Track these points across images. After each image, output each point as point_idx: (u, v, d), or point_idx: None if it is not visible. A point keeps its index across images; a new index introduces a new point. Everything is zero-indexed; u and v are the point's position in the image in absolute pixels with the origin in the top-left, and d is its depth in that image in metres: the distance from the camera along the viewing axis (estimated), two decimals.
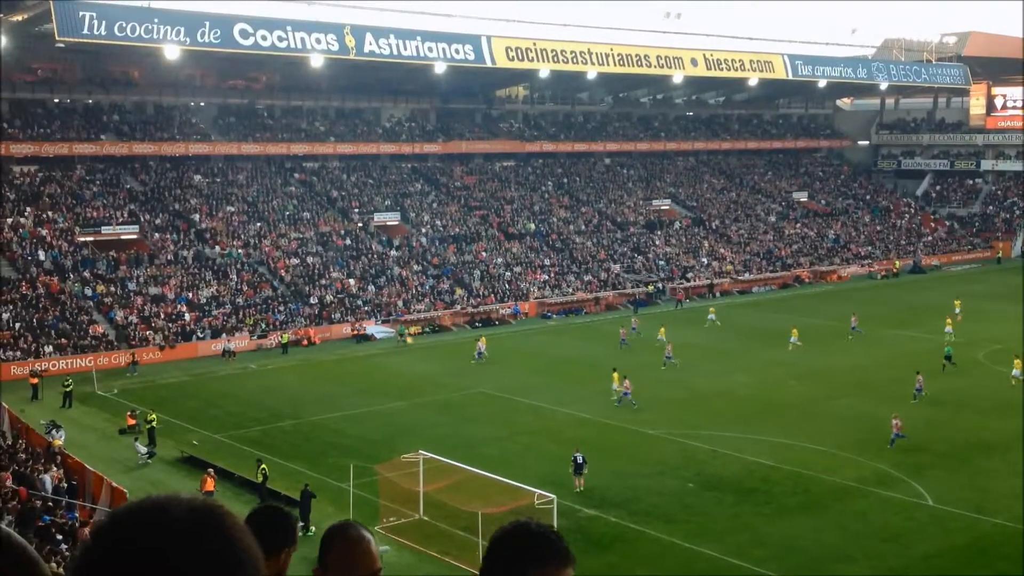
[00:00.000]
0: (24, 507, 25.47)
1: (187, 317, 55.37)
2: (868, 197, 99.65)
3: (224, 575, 1.73)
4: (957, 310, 59.22)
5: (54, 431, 35.12)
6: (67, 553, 21.92)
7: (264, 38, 61.58)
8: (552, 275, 70.23)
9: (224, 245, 63.10)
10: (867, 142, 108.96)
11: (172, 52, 59.80)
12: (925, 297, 68.07)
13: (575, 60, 75.48)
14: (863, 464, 33.40)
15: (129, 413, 39.46)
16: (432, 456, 30.07)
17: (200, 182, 69.21)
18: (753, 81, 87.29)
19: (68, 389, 42.84)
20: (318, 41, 63.37)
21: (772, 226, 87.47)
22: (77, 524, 25.47)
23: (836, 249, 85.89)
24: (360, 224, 70.49)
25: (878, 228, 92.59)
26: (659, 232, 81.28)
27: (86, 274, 56.50)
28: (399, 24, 69.44)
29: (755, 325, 58.56)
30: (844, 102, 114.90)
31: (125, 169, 67.72)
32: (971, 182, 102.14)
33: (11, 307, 51.98)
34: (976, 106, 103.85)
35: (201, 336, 54.37)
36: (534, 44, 73.63)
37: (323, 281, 62.39)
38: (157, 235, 62.16)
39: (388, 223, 71.95)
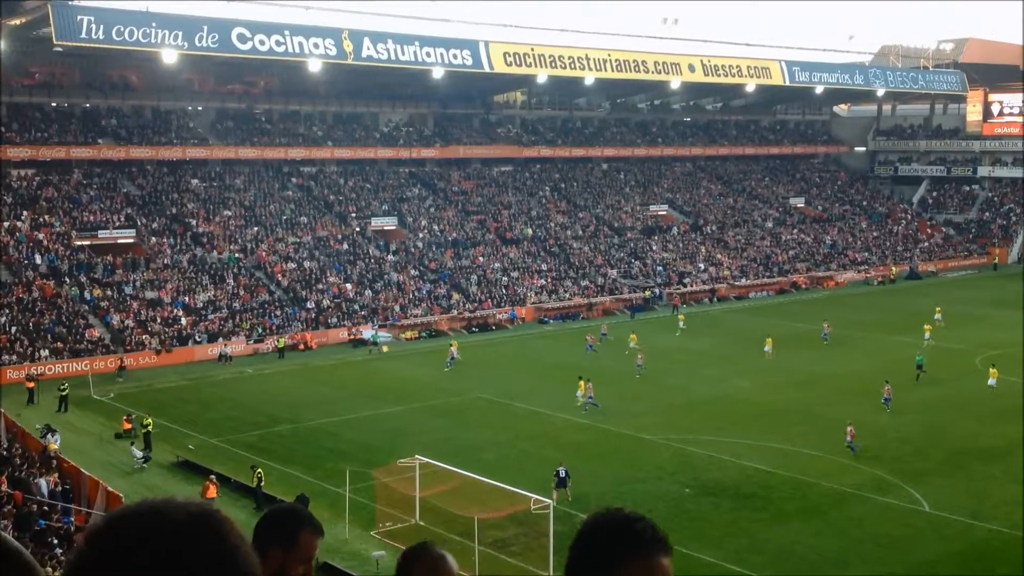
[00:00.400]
0: (20, 512, 25.40)
1: (184, 321, 55.29)
2: (865, 203, 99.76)
3: None
4: (938, 316, 59.13)
5: (50, 435, 35.03)
6: (63, 558, 21.85)
7: (262, 42, 61.59)
8: (549, 280, 70.22)
9: (221, 249, 63.04)
10: (864, 148, 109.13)
11: (170, 56, 59.79)
12: (922, 303, 68.00)
13: (573, 66, 75.57)
14: (860, 470, 33.39)
15: (125, 417, 39.36)
16: (429, 461, 30.02)
17: (197, 186, 69.17)
18: (751, 87, 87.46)
19: (64, 393, 42.73)
20: (316, 46, 63.40)
21: (769, 232, 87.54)
22: (73, 528, 25.39)
23: (833, 255, 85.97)
24: (357, 228, 70.47)
25: (875, 234, 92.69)
26: (656, 237, 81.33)
27: (83, 278, 56.41)
28: (397, 29, 69.61)
29: (752, 331, 58.49)
30: (841, 108, 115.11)
31: (122, 173, 67.66)
32: (968, 188, 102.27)
33: (7, 311, 51.86)
34: (973, 112, 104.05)
35: (198, 340, 54.27)
36: (532, 49, 73.72)
37: (320, 285, 62.34)
38: (154, 239, 62.09)
39: (385, 227, 71.94)
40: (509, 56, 72.01)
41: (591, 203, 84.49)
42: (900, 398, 41.66)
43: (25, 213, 60.02)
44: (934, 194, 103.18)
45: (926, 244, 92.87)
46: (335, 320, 59.16)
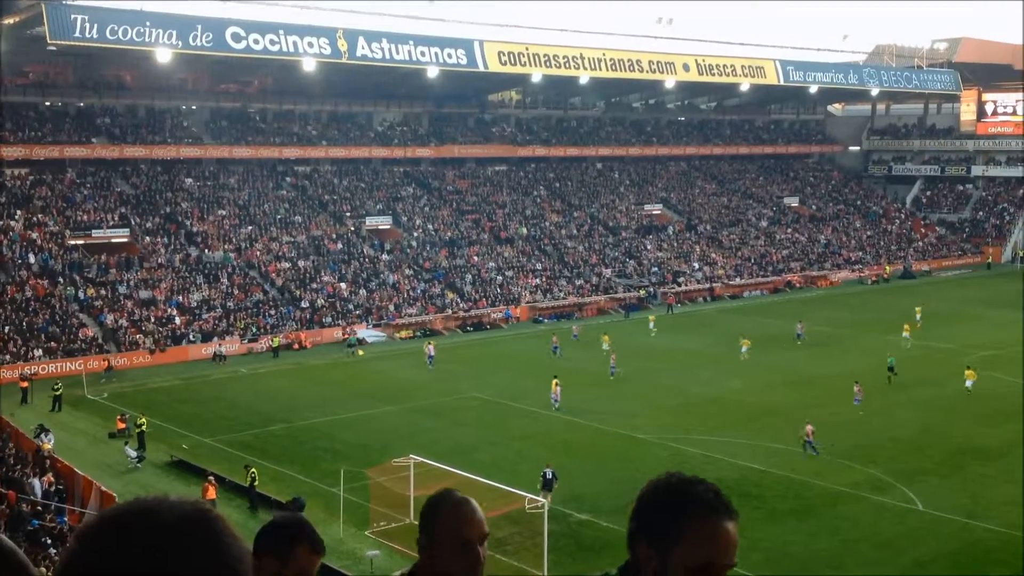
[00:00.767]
0: (13, 511, 25.35)
1: (178, 321, 55.20)
2: (859, 203, 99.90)
3: None
4: (918, 317, 59.07)
5: (43, 435, 34.95)
6: (57, 557, 21.82)
7: (256, 42, 61.51)
8: (544, 279, 70.24)
9: (215, 248, 62.96)
10: (858, 148, 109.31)
11: (164, 55, 59.68)
12: (915, 303, 68.15)
13: (568, 65, 75.59)
14: (855, 469, 33.43)
15: (119, 417, 39.29)
16: (423, 460, 29.99)
17: (191, 185, 69.07)
18: (745, 86, 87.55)
19: (58, 393, 42.66)
20: (311, 45, 63.34)
21: (764, 231, 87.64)
22: (67, 528, 25.34)
23: (827, 254, 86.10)
24: (352, 228, 70.41)
25: (869, 233, 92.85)
26: (651, 237, 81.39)
27: (76, 277, 56.29)
28: (392, 28, 69.59)
29: (746, 330, 58.49)
30: (835, 108, 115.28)
31: (116, 172, 67.52)
32: (962, 188, 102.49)
33: (1, 311, 51.75)
34: (967, 112, 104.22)
35: (192, 340, 54.20)
36: (527, 49, 73.73)
37: (314, 285, 62.29)
38: (148, 238, 61.97)
39: (380, 227, 71.90)
40: (504, 55, 72.01)
41: (586, 202, 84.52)
42: (893, 398, 41.73)
43: (19, 212, 59.88)
44: (928, 193, 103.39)
45: (920, 243, 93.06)
46: (329, 319, 59.12)
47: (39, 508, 27.09)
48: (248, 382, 48.53)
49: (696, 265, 77.89)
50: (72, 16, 54.89)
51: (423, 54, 68.14)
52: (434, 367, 49.85)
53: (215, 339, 54.32)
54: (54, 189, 63.59)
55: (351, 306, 61.13)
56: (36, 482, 29.62)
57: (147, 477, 33.84)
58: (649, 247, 79.51)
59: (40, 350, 49.86)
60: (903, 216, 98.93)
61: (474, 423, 40.21)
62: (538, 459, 34.24)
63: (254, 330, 56.37)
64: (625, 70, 78.78)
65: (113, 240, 60.75)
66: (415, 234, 72.05)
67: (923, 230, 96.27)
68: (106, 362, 49.06)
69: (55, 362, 49.20)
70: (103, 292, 55.93)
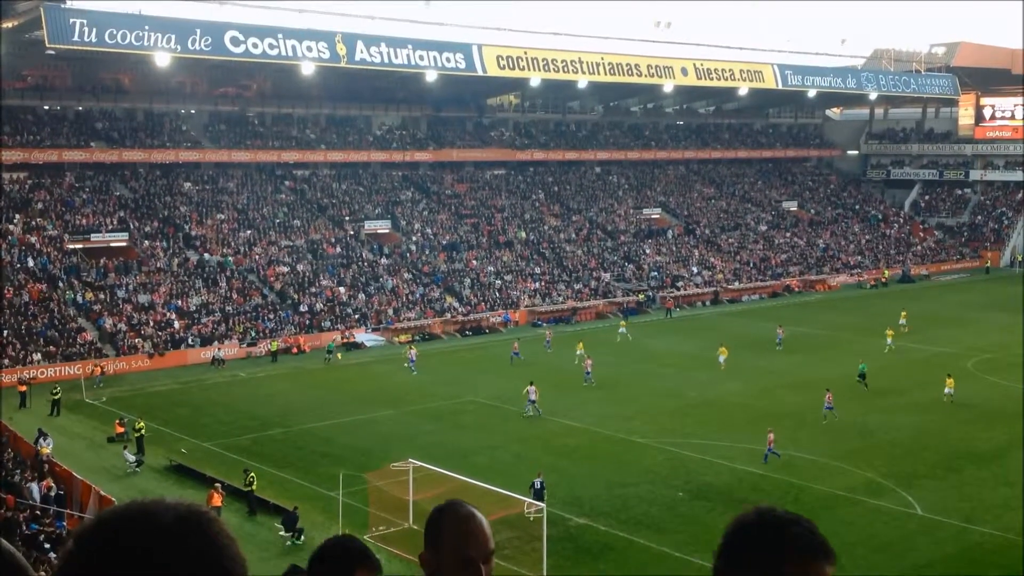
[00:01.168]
0: (7, 517, 25.33)
1: (176, 325, 55.18)
2: (857, 207, 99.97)
3: None
4: (903, 321, 58.82)
5: (42, 439, 34.94)
6: (56, 562, 21.81)
7: (255, 46, 61.54)
8: (542, 283, 70.25)
9: (214, 252, 62.96)
10: (856, 152, 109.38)
11: (163, 59, 59.69)
12: (913, 307, 68.17)
13: (566, 69, 75.64)
14: (852, 473, 33.45)
15: (118, 421, 39.28)
16: (422, 464, 30.00)
17: (190, 189, 69.06)
18: (743, 90, 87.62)
19: (56, 397, 42.63)
20: (309, 49, 63.36)
21: (762, 235, 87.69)
22: (65, 533, 25.33)
23: (826, 258, 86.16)
24: (351, 232, 70.41)
25: (867, 237, 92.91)
26: (650, 241, 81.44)
27: (75, 281, 56.28)
28: (390, 32, 69.50)
29: (745, 334, 58.59)
30: (834, 112, 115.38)
31: (115, 176, 67.52)
32: (960, 192, 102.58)
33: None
34: (965, 116, 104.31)
35: (190, 344, 54.18)
36: (525, 53, 73.78)
37: (313, 289, 62.28)
38: (147, 242, 61.97)
39: (379, 231, 71.89)
40: (502, 59, 72.07)
41: (584, 206, 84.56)
42: (895, 402, 41.74)
43: (17, 216, 59.85)
44: (926, 197, 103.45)
45: (918, 247, 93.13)
46: (328, 324, 59.11)
47: (38, 513, 27.07)
48: (247, 386, 48.50)
49: (695, 269, 77.93)
50: (71, 20, 54.89)
51: (422, 58, 68.18)
52: (417, 372, 49.78)
53: (214, 343, 54.30)
54: (53, 193, 63.58)
55: (350, 310, 61.13)
56: (35, 486, 29.61)
57: (146, 481, 33.82)
58: (648, 251, 79.55)
59: (39, 354, 49.83)
60: (901, 220, 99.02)
61: (473, 427, 40.21)
62: (536, 463, 34.25)
63: (253, 334, 56.35)
64: (623, 74, 78.85)
65: (112, 244, 60.73)
66: (414, 238, 72.06)
67: (921, 234, 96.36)
68: (99, 368, 48.46)
69: (54, 366, 49.17)
70: (102, 296, 55.91)
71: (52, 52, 58.85)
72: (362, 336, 58.34)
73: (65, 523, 27.03)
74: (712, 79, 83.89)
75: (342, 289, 62.98)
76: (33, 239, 58.54)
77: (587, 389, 45.77)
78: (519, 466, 34.28)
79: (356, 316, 60.68)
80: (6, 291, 53.29)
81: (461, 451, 36.05)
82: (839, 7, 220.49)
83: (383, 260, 68.06)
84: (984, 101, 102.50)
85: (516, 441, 37.92)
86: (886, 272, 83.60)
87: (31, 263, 56.61)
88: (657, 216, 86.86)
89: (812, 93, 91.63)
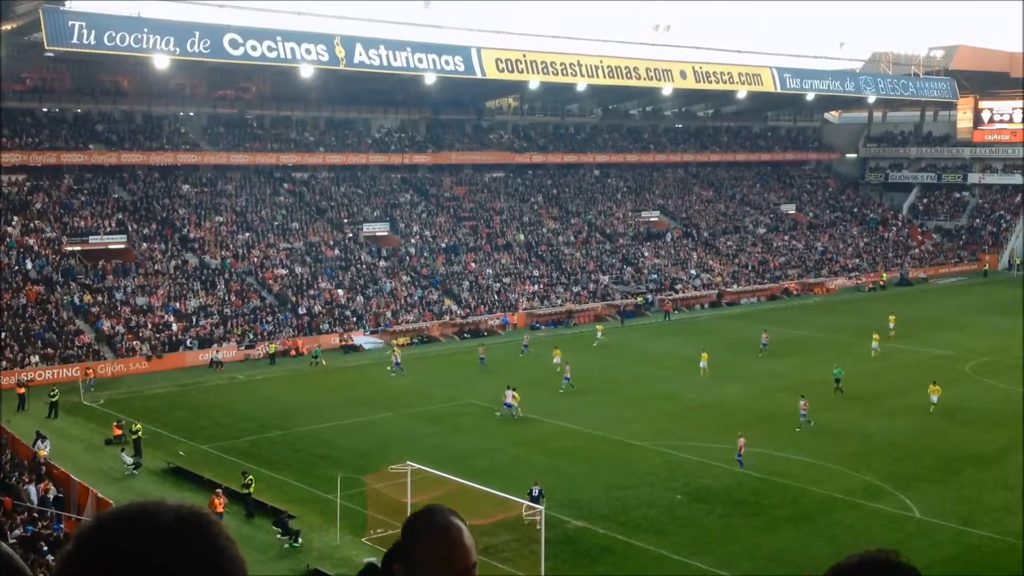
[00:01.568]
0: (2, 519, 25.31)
1: (174, 327, 55.15)
2: (856, 210, 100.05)
3: None
4: (891, 325, 58.64)
5: (39, 442, 34.90)
6: (53, 564, 21.79)
7: (254, 48, 61.56)
8: (541, 286, 70.25)
9: (213, 255, 62.94)
10: (855, 155, 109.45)
11: (162, 62, 59.70)
12: (911, 310, 68.30)
13: (565, 72, 75.68)
14: (851, 476, 33.44)
15: (115, 423, 39.26)
16: (420, 467, 29.98)
17: (189, 192, 69.04)
18: (742, 94, 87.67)
19: (54, 399, 42.58)
20: (308, 51, 63.37)
21: (761, 238, 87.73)
22: (63, 535, 25.30)
23: (824, 261, 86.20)
24: (349, 234, 70.40)
25: (866, 241, 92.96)
26: (648, 244, 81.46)
27: (73, 284, 56.25)
28: (389, 35, 69.57)
29: (743, 337, 58.60)
30: (832, 115, 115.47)
31: (113, 178, 67.50)
32: (958, 195, 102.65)
33: None
34: (963, 119, 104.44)
35: (189, 346, 54.15)
36: (524, 56, 73.81)
37: (311, 291, 62.26)
38: (145, 245, 61.94)
39: (377, 233, 71.87)
40: (501, 62, 72.10)
41: (583, 209, 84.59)
42: (893, 405, 41.73)
43: (16, 219, 59.83)
44: (924, 200, 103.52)
45: (916, 251, 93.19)
46: (327, 326, 59.09)
47: (35, 515, 27.03)
48: (245, 388, 48.48)
49: (694, 272, 77.95)
50: (70, 22, 54.90)
51: (421, 61, 68.22)
52: (396, 374, 49.70)
53: (212, 345, 54.26)
54: (51, 195, 63.56)
55: (348, 313, 61.11)
56: (32, 489, 29.58)
57: (143, 484, 33.79)
58: (646, 254, 79.57)
59: (36, 356, 49.80)
60: (900, 223, 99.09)
61: (471, 429, 40.19)
62: (534, 465, 34.27)
63: (251, 336, 56.33)
64: (622, 77, 78.91)
65: (110, 246, 60.68)
66: (412, 240, 72.06)
67: (920, 237, 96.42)
68: (91, 372, 48.18)
69: (51, 368, 49.14)
70: (100, 298, 55.87)
71: (51, 54, 58.89)
72: (360, 339, 58.30)
73: (63, 525, 26.99)
74: (711, 82, 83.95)
75: (340, 291, 62.96)
76: (31, 241, 58.51)
77: (586, 392, 45.73)
78: (517, 469, 34.28)
79: (354, 319, 60.67)
80: (4, 293, 53.27)
81: (459, 453, 36.03)
82: (837, 10, 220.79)
83: (382, 262, 68.05)
84: (982, 104, 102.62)
85: (515, 444, 37.90)
86: (884, 275, 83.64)
87: (29, 265, 56.58)
88: (656, 219, 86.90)
89: (811, 96, 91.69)
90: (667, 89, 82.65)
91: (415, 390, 47.14)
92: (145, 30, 57.44)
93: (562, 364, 48.31)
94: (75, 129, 68.28)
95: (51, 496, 29.62)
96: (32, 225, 59.99)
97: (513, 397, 41.25)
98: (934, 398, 41.09)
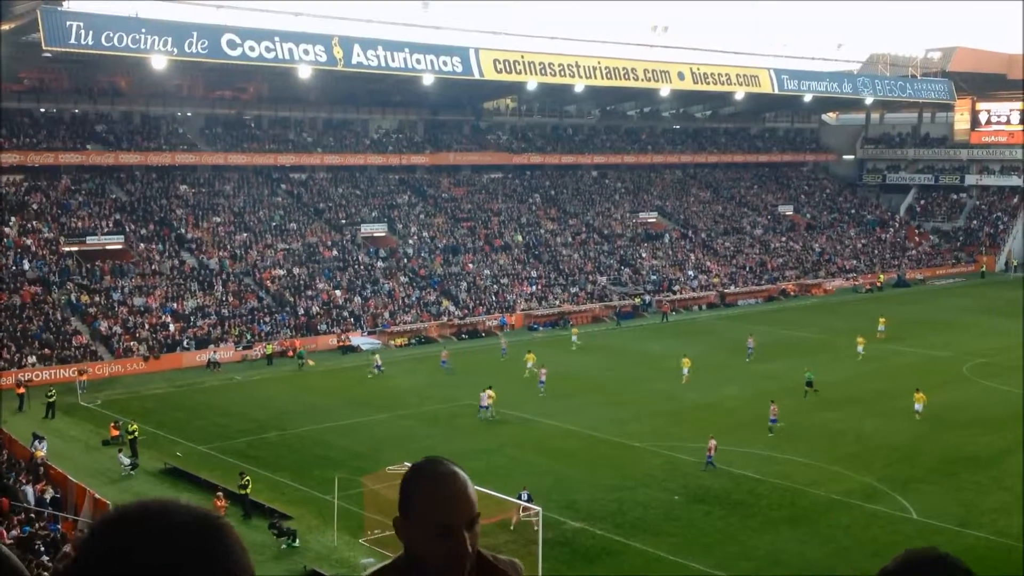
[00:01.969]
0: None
1: (172, 328, 55.12)
2: (853, 211, 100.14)
3: None
4: (881, 327, 58.50)
5: (37, 442, 34.87)
6: (49, 565, 21.77)
7: (252, 49, 61.50)
8: (539, 287, 70.25)
9: (210, 255, 62.90)
10: (852, 156, 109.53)
11: (159, 62, 59.65)
12: (909, 311, 68.41)
13: (563, 73, 75.69)
14: (849, 477, 33.47)
15: (113, 424, 39.22)
16: None
17: (186, 192, 69.01)
18: (739, 95, 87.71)
19: (51, 400, 42.53)
20: (306, 52, 63.33)
21: (758, 239, 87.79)
22: (59, 536, 25.27)
23: (821, 262, 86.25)
24: (347, 235, 70.38)
25: (863, 242, 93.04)
26: (646, 245, 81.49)
27: (70, 284, 56.19)
28: (387, 36, 69.54)
29: (741, 338, 58.54)
30: (830, 116, 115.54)
31: (111, 179, 67.46)
32: (955, 197, 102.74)
33: None
34: (961, 121, 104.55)
35: (186, 347, 54.11)
36: (522, 57, 73.81)
37: (309, 292, 62.23)
38: (142, 245, 61.89)
39: (375, 234, 71.85)
40: (499, 63, 72.09)
41: (581, 210, 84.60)
42: (890, 407, 41.76)
43: (13, 219, 59.76)
44: (922, 202, 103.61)
45: (914, 252, 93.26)
46: (324, 327, 59.06)
47: (32, 516, 26.99)
48: (242, 389, 48.45)
49: (691, 273, 77.97)
50: (68, 22, 54.84)
51: (419, 62, 68.20)
52: (375, 375, 49.62)
53: (209, 346, 54.23)
54: (49, 195, 63.50)
55: (346, 313, 61.09)
56: (29, 489, 29.54)
57: (140, 485, 33.75)
58: (644, 255, 79.59)
59: (34, 357, 49.75)
60: (897, 225, 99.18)
61: (468, 430, 40.18)
62: (532, 466, 34.30)
63: (248, 337, 56.29)
64: (620, 78, 78.91)
65: (108, 247, 60.63)
66: (410, 241, 72.05)
67: (917, 239, 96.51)
68: (85, 374, 47.99)
69: (49, 369, 49.07)
70: (97, 299, 55.82)
71: (49, 54, 58.84)
72: (358, 339, 58.27)
73: (60, 526, 26.96)
74: (709, 83, 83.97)
75: (338, 292, 62.93)
76: (29, 242, 58.46)
77: (584, 392, 45.72)
78: (515, 470, 34.27)
79: (352, 319, 60.64)
80: (1, 294, 53.22)
81: (457, 454, 35.74)
82: (835, 12, 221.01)
83: (379, 263, 68.04)
84: (980, 106, 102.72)
85: (512, 445, 37.90)
86: (882, 276, 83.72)
87: (27, 266, 56.52)
88: (654, 220, 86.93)
89: (808, 98, 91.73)
90: (665, 90, 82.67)
91: (413, 391, 47.13)
92: (143, 30, 57.40)
93: (536, 368, 47.49)
94: (73, 129, 68.23)
95: (47, 497, 29.59)
96: (29, 225, 59.93)
97: (489, 397, 41.32)
98: (919, 407, 40.25)
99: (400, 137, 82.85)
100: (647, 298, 71.76)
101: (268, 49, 62.08)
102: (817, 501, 31.36)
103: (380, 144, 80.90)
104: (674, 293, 73.75)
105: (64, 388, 45.57)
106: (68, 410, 43.52)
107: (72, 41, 55.09)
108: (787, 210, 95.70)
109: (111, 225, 62.49)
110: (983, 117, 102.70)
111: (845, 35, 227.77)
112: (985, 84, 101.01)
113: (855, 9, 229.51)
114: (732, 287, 77.16)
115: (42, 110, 68.61)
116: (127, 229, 62.67)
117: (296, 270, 64.15)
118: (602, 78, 77.74)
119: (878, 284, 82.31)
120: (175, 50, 58.50)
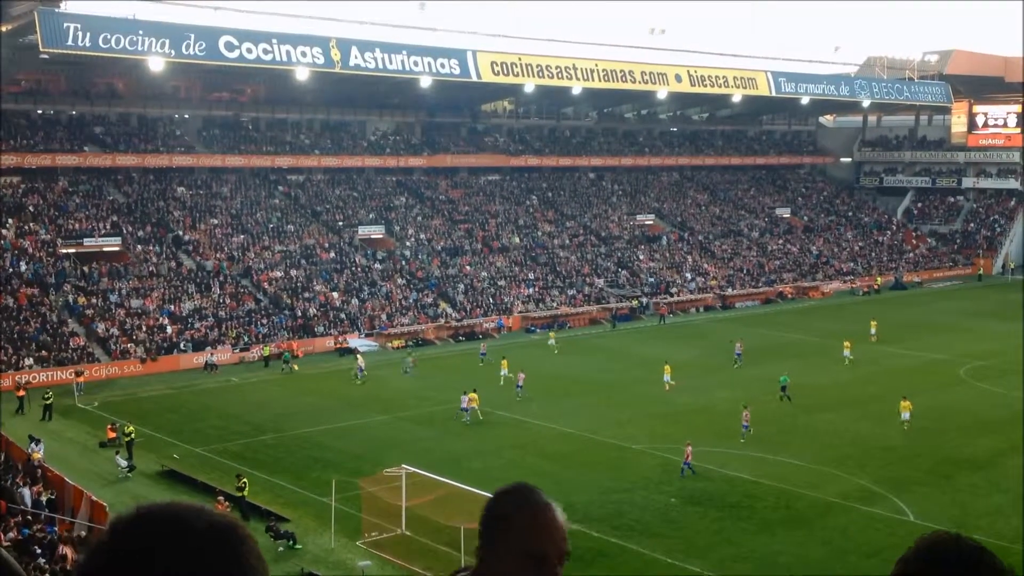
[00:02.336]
0: None
1: (169, 330, 55.07)
2: (851, 214, 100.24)
3: None
4: (873, 331, 58.23)
5: (33, 444, 34.82)
6: (46, 567, 21.75)
7: (249, 51, 61.49)
8: (536, 289, 70.26)
9: (207, 257, 62.87)
10: (849, 159, 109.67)
11: (157, 64, 59.63)
12: (906, 314, 68.48)
13: (560, 75, 75.74)
14: (845, 480, 33.49)
15: (109, 426, 39.16)
16: (415, 470, 29.97)
17: (184, 194, 68.97)
18: (737, 97, 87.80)
19: (48, 402, 42.47)
20: (303, 54, 63.33)
21: (756, 242, 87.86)
22: (56, 538, 25.24)
23: (819, 265, 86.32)
24: (345, 237, 70.36)
25: (860, 245, 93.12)
26: (643, 247, 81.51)
27: (67, 286, 56.13)
28: (385, 38, 69.57)
29: (736, 340, 58.58)
30: (827, 119, 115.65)
31: (108, 181, 67.42)
32: (952, 199, 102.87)
33: None
34: (958, 124, 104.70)
35: (183, 349, 54.07)
36: (519, 59, 73.85)
37: (307, 294, 62.21)
38: (140, 247, 61.86)
39: (373, 236, 71.84)
40: (497, 65, 72.12)
41: (578, 212, 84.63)
42: (887, 408, 41.79)
43: (10, 221, 59.71)
44: (919, 205, 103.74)
45: (911, 255, 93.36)
46: (321, 329, 59.04)
47: (29, 518, 26.95)
48: (239, 391, 48.43)
49: (689, 276, 78.01)
50: (65, 24, 54.83)
51: (416, 64, 68.22)
52: (361, 379, 49.46)
53: (207, 348, 54.19)
54: (46, 197, 63.46)
55: (343, 315, 61.06)
56: (26, 491, 29.49)
57: (137, 487, 33.70)
58: (642, 257, 79.63)
59: (31, 359, 49.70)
60: (894, 227, 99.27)
61: (465, 432, 40.18)
62: (530, 468, 34.28)
63: (246, 339, 56.26)
64: (617, 81, 78.96)
65: (105, 249, 60.57)
66: (407, 243, 72.06)
67: (914, 241, 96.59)
68: (81, 376, 47.78)
69: (46, 371, 49.01)
70: (94, 301, 55.78)
71: (46, 56, 58.79)
72: (355, 341, 58.24)
73: (56, 528, 26.92)
74: (706, 86, 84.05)
75: (335, 294, 62.92)
76: (26, 244, 58.41)
77: (581, 394, 45.72)
78: (512, 472, 34.25)
79: (349, 321, 60.61)
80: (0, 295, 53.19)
81: (454, 457, 36.01)
82: (832, 14, 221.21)
83: (377, 265, 68.03)
84: (977, 109, 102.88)
85: (509, 447, 37.90)
86: (879, 279, 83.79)
87: (24, 267, 56.47)
88: (651, 222, 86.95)
89: (805, 100, 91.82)
90: (662, 93, 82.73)
91: (410, 393, 47.12)
92: (140, 32, 57.38)
93: (512, 374, 47.13)
94: (70, 131, 68.19)
95: (44, 499, 29.54)
96: (27, 227, 59.89)
97: (470, 400, 41.30)
98: (905, 415, 39.58)
99: (397, 139, 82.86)
100: (644, 300, 71.78)
101: (265, 51, 62.07)
102: (813, 503, 31.38)
103: (377, 146, 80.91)
104: (671, 295, 73.77)
105: (61, 390, 45.51)
106: (65, 412, 43.47)
107: (69, 43, 55.06)
108: (784, 212, 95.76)
109: (108, 227, 62.44)
110: (980, 120, 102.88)
111: (842, 38, 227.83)
112: (982, 87, 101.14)
113: (852, 12, 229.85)
114: (729, 289, 77.20)
115: (39, 112, 68.56)
116: (124, 231, 62.62)
117: (293, 272, 64.13)
118: (599, 80, 77.80)
119: (875, 287, 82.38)
120: (172, 52, 58.49)
